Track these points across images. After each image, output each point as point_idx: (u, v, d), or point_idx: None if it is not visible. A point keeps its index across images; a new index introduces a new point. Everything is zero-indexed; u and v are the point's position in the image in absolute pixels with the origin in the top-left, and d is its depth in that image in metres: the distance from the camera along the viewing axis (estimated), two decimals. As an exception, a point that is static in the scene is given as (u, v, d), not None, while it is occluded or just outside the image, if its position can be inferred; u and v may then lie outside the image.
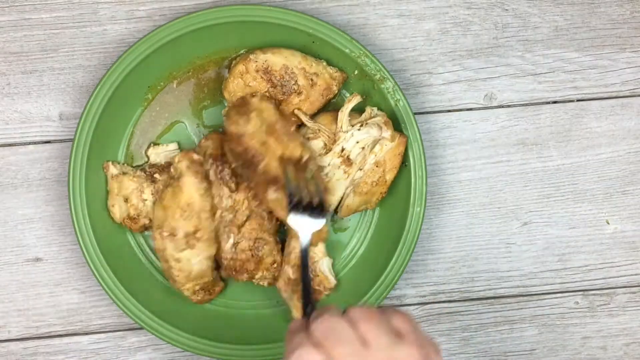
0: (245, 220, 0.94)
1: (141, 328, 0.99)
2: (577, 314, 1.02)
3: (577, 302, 1.02)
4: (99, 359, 1.00)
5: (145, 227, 0.97)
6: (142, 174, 0.96)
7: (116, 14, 0.99)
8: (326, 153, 0.94)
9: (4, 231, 0.99)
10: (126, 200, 0.95)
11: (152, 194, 0.95)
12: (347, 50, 0.95)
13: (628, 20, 1.01)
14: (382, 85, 0.95)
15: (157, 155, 0.98)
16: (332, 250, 0.99)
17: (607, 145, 1.02)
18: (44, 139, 1.00)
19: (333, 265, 0.99)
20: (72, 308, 1.00)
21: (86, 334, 1.00)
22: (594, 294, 1.02)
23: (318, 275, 0.97)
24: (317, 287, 0.97)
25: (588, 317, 1.02)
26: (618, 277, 1.02)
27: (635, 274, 1.02)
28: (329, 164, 0.93)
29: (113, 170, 0.95)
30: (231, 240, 0.94)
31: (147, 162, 0.98)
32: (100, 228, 0.96)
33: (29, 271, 1.00)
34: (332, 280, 0.97)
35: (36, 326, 1.00)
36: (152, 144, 0.98)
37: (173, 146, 0.98)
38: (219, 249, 0.95)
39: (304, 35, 0.95)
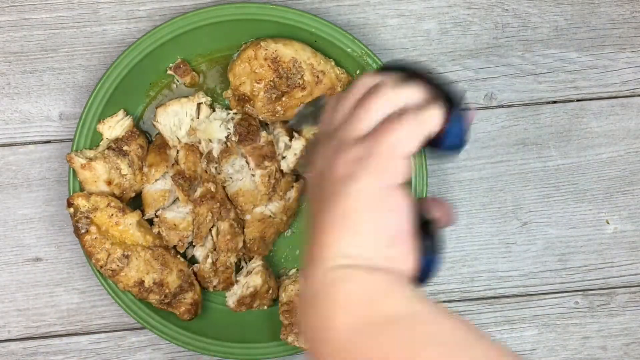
0: (210, 232, 0.95)
1: (141, 328, 0.99)
2: (577, 314, 1.02)
3: (577, 302, 1.02)
4: (99, 359, 1.00)
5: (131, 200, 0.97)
6: (111, 151, 0.94)
7: (116, 14, 0.99)
8: None
9: (4, 231, 0.99)
10: (109, 182, 0.94)
11: (130, 166, 0.95)
12: (349, 50, 0.95)
13: (628, 20, 1.01)
14: (383, 85, 0.95)
15: (111, 128, 0.95)
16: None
17: (607, 145, 1.02)
18: (44, 139, 1.00)
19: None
20: (72, 308, 1.00)
21: (86, 334, 1.00)
22: (594, 294, 1.02)
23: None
24: None
25: (588, 317, 1.02)
26: (618, 277, 1.02)
27: (635, 274, 1.02)
28: None
29: (80, 160, 0.93)
30: (209, 260, 0.95)
31: (104, 139, 0.96)
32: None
33: (29, 271, 1.00)
34: None
35: (36, 326, 1.00)
36: (98, 121, 0.95)
37: (121, 114, 0.96)
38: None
39: (306, 34, 0.95)
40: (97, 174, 0.93)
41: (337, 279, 0.57)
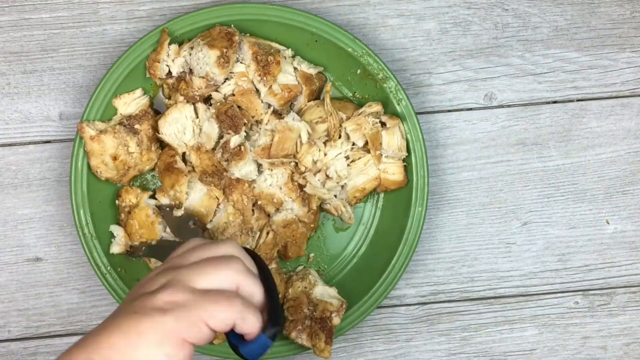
0: (256, 236, 0.95)
1: (141, 328, 0.99)
2: (577, 314, 1.02)
3: (577, 302, 1.02)
4: (99, 359, 1.00)
5: (134, 177, 0.97)
6: (122, 127, 0.94)
7: (116, 14, 0.99)
8: (328, 140, 0.95)
9: (4, 231, 0.99)
10: (115, 158, 0.94)
11: (138, 145, 0.95)
12: (349, 50, 0.95)
13: (628, 20, 1.01)
14: (385, 85, 0.95)
15: (127, 105, 0.95)
16: (333, 250, 1.00)
17: (607, 145, 1.02)
18: (44, 139, 1.00)
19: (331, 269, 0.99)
20: (72, 308, 1.00)
21: (86, 333, 1.00)
22: (594, 294, 1.02)
23: (317, 304, 0.95)
24: (323, 315, 0.94)
25: (588, 317, 1.02)
26: (618, 277, 1.02)
27: (635, 274, 1.02)
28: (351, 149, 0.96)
29: (90, 131, 0.93)
30: None
31: (117, 114, 0.96)
32: (101, 226, 0.96)
33: (29, 271, 1.00)
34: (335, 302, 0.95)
35: (36, 326, 1.00)
36: (116, 95, 0.95)
37: (139, 92, 0.96)
38: None
39: (306, 34, 0.95)
40: (105, 147, 0.93)
41: None
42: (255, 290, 0.71)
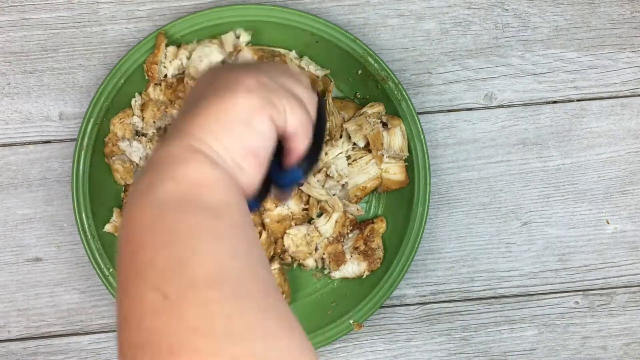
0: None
1: (141, 328, 0.99)
2: (577, 314, 1.02)
3: (577, 302, 1.02)
4: (99, 359, 1.00)
5: None
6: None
7: (116, 14, 0.99)
8: (329, 139, 0.95)
9: (4, 231, 0.99)
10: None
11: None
12: (350, 50, 0.95)
13: (628, 20, 1.02)
14: (386, 85, 0.95)
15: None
16: (332, 250, 1.00)
17: (607, 145, 1.02)
18: (44, 139, 1.00)
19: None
20: (72, 308, 1.00)
21: (86, 334, 1.00)
22: (594, 294, 1.02)
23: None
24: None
25: (588, 317, 1.02)
26: (618, 277, 1.02)
27: (635, 274, 1.02)
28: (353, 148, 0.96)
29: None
30: None
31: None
32: (103, 225, 0.96)
33: (29, 271, 1.00)
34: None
35: (36, 326, 1.00)
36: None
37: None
38: None
39: (307, 34, 0.95)
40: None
41: (188, 157, 0.62)
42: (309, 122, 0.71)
